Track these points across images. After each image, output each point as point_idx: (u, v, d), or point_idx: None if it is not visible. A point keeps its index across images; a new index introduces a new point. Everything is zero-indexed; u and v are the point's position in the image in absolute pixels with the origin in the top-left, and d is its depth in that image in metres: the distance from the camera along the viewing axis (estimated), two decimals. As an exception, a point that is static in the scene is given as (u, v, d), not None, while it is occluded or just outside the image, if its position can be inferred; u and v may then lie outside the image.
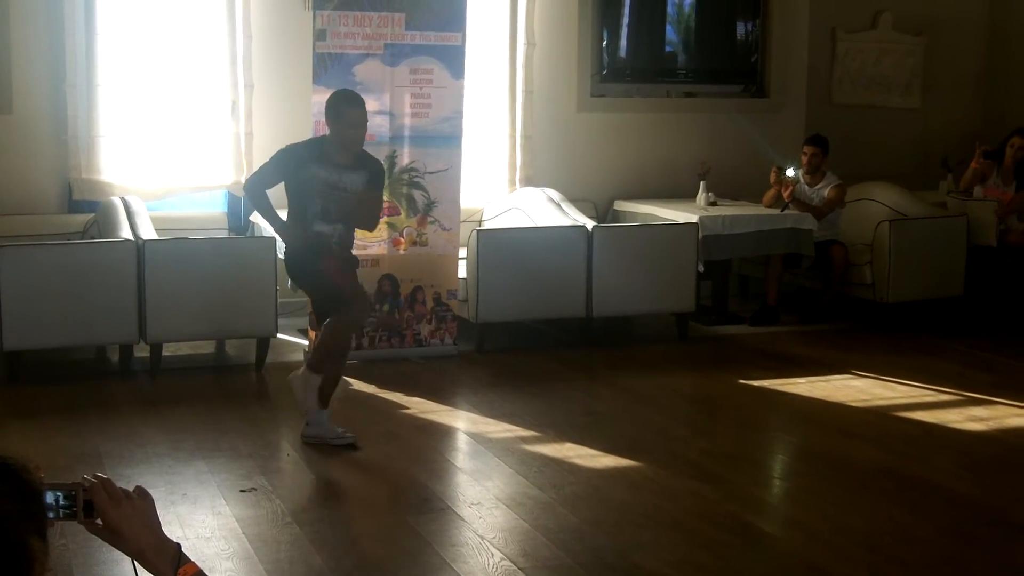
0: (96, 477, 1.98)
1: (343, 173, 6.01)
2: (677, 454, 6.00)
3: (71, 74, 8.04)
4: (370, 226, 6.42)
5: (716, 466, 5.83)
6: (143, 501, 2.02)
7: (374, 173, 6.17)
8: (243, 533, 4.83)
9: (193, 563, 2.02)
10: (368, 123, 6.10)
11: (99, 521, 1.96)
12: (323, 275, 6.02)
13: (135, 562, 2.01)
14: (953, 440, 6.34)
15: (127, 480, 5.19)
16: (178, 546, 2.03)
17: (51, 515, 1.89)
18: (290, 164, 6.02)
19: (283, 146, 6.18)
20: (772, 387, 7.30)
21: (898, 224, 8.89)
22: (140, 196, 8.06)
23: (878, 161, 10.06)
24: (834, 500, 5.39)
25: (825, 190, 9.05)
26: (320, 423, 5.99)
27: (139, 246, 7.18)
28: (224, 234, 8.31)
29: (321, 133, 7.41)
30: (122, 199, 7.87)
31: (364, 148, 6.19)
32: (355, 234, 6.33)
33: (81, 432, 6.18)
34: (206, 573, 2.05)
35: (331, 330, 5.96)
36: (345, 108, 5.99)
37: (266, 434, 6.33)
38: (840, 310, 9.09)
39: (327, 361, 5.98)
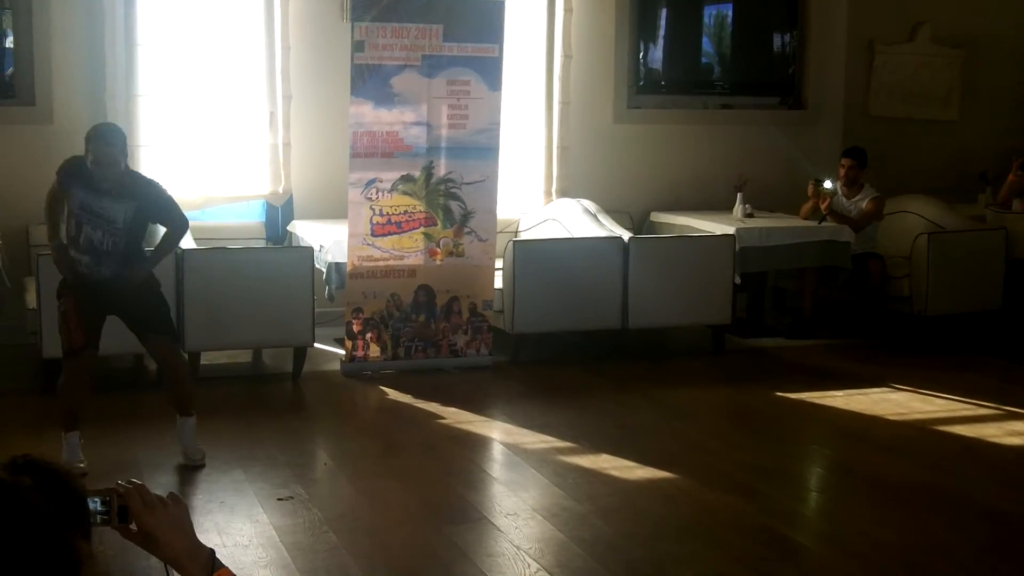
0: (131, 483, 1.99)
1: (103, 201, 5.63)
2: (712, 467, 5.99)
3: (111, 85, 8.11)
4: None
5: (752, 479, 5.81)
6: (177, 507, 2.03)
7: (147, 202, 5.72)
8: (280, 541, 4.86)
9: (227, 568, 2.03)
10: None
11: (133, 527, 1.97)
12: (60, 317, 5.78)
13: (167, 567, 2.02)
14: (992, 455, 6.30)
15: (165, 488, 5.22)
16: (211, 551, 2.04)
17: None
18: (62, 178, 5.72)
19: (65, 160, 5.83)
20: (809, 400, 7.28)
21: (936, 237, 8.84)
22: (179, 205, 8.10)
23: (915, 174, 10.01)
24: (871, 515, 5.36)
25: (862, 203, 9.02)
26: (70, 447, 5.74)
27: (178, 255, 7.22)
28: (262, 244, 8.37)
29: (350, 143, 7.48)
30: (161, 209, 7.91)
31: (139, 174, 5.87)
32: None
33: (119, 440, 6.23)
34: None
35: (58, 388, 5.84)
36: (91, 143, 5.59)
37: (302, 443, 6.37)
38: (877, 323, 9.04)
39: (65, 417, 5.79)
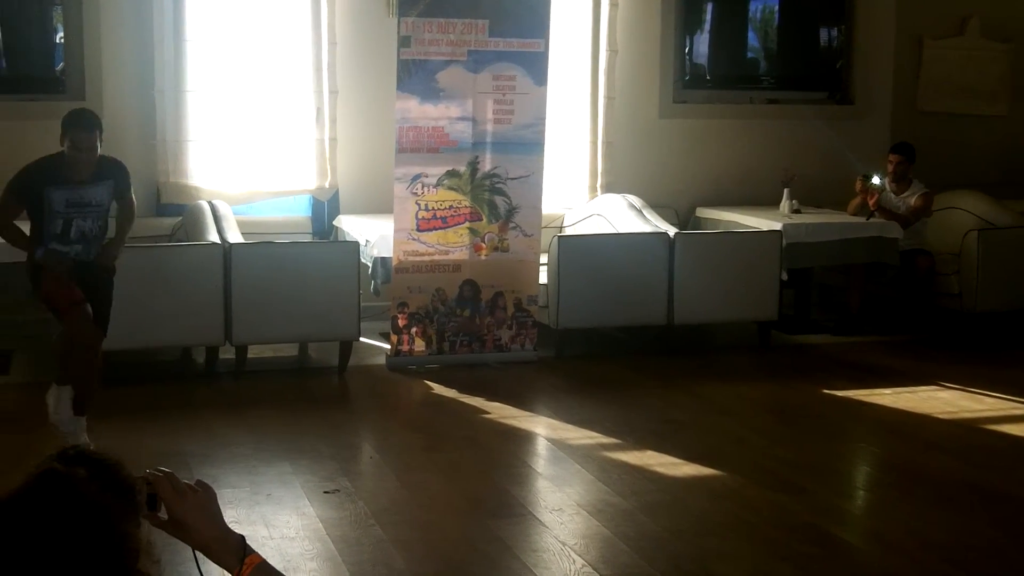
0: (160, 471, 2.00)
1: (85, 190, 5.77)
2: (758, 464, 5.96)
3: (159, 80, 8.18)
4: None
5: (797, 476, 5.78)
6: (206, 494, 2.04)
7: (119, 178, 5.96)
8: (327, 534, 4.88)
9: (257, 554, 2.04)
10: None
11: (163, 514, 1.98)
12: (44, 298, 5.86)
13: (196, 553, 2.03)
14: (1041, 454, 6.24)
15: (212, 480, 5.25)
16: (242, 537, 2.05)
17: None
18: (23, 190, 5.77)
19: (18, 170, 5.83)
20: (856, 397, 7.23)
21: (986, 233, 8.76)
22: (226, 200, 8.17)
23: (964, 169, 9.90)
24: (918, 513, 5.31)
25: (911, 199, 8.94)
26: (74, 432, 5.79)
27: (226, 249, 7.28)
28: (308, 238, 8.41)
29: (396, 138, 7.50)
30: (209, 203, 7.99)
31: (103, 154, 5.87)
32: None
33: (166, 432, 6.28)
34: (270, 564, 2.06)
35: (53, 343, 5.98)
36: (71, 130, 5.67)
37: (348, 436, 6.40)
38: (925, 320, 8.96)
39: (60, 371, 5.90)
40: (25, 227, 5.98)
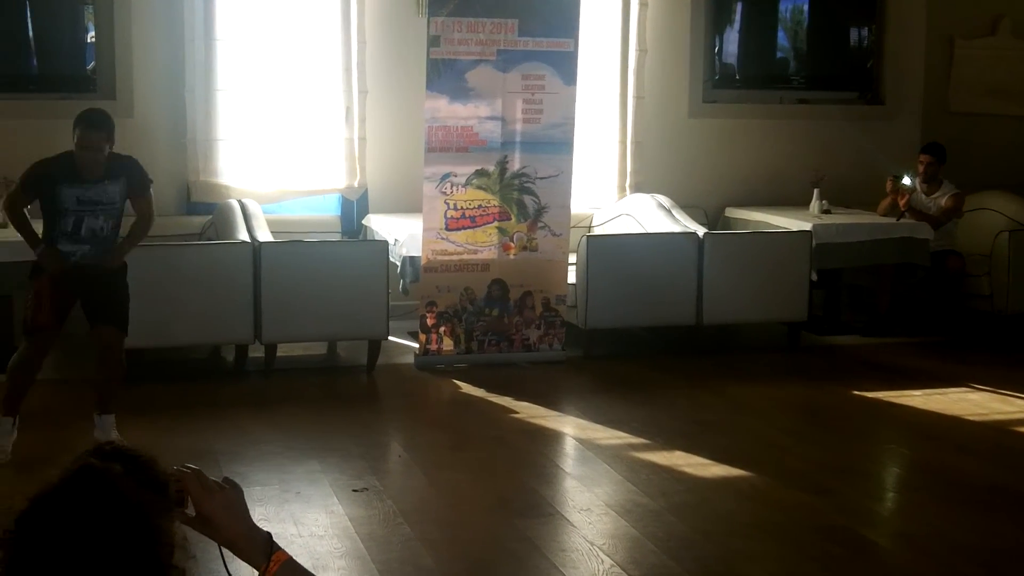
0: (187, 467, 2.01)
1: (98, 187, 5.75)
2: (787, 465, 5.94)
3: (190, 79, 8.22)
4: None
5: (826, 478, 5.75)
6: (233, 491, 2.05)
7: (132, 177, 5.90)
8: (355, 532, 4.89)
9: (283, 551, 2.04)
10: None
11: (190, 511, 1.98)
12: (25, 303, 5.84)
13: (222, 550, 2.03)
14: (1073, 457, 6.20)
15: (242, 477, 5.27)
16: (268, 535, 2.05)
17: None
18: (37, 183, 5.78)
19: (33, 163, 5.85)
20: (885, 399, 7.19)
21: (1017, 234, 8.70)
22: (256, 199, 8.20)
23: (996, 170, 9.83)
24: (948, 516, 5.28)
25: (942, 199, 8.90)
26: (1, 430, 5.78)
27: (255, 248, 7.30)
28: (337, 237, 8.43)
29: (425, 137, 7.51)
30: (239, 201, 8.02)
31: (116, 152, 5.84)
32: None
33: (195, 430, 6.31)
34: (297, 561, 2.06)
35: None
36: (78, 128, 5.66)
37: (376, 435, 6.41)
38: (956, 322, 8.91)
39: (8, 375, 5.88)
40: (38, 227, 5.98)
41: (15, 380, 5.80)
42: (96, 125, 5.69)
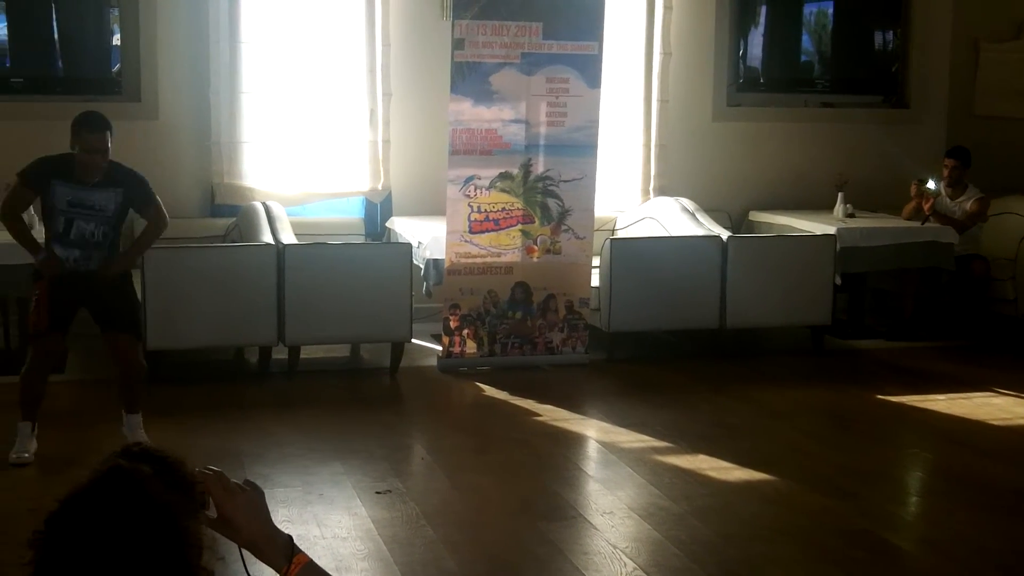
0: (210, 469, 2.02)
1: (90, 192, 5.70)
2: (810, 469, 5.93)
3: (215, 82, 8.25)
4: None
5: (850, 482, 5.74)
6: (255, 493, 2.05)
7: (132, 188, 5.83)
8: (378, 534, 4.91)
9: (304, 553, 2.05)
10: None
11: (211, 513, 1.99)
12: (32, 301, 5.82)
13: (243, 552, 2.04)
14: (1099, 462, 6.16)
15: (265, 479, 5.31)
16: (289, 537, 2.06)
17: None
18: (36, 177, 5.73)
19: (34, 159, 5.81)
20: (909, 403, 7.17)
21: (1042, 239, 8.67)
22: (280, 201, 8.22)
23: (1021, 174, 9.79)
24: (972, 520, 5.27)
25: (967, 203, 8.87)
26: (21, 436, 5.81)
27: (279, 250, 7.33)
28: (361, 240, 8.45)
29: (449, 140, 7.52)
30: (263, 204, 8.05)
31: (119, 163, 5.83)
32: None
33: (219, 431, 6.33)
34: (318, 564, 2.07)
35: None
36: (83, 132, 5.61)
37: (399, 437, 6.43)
38: (980, 326, 8.88)
39: (20, 406, 5.86)
40: (39, 234, 6.00)
41: (26, 386, 5.84)
42: (104, 127, 5.67)
